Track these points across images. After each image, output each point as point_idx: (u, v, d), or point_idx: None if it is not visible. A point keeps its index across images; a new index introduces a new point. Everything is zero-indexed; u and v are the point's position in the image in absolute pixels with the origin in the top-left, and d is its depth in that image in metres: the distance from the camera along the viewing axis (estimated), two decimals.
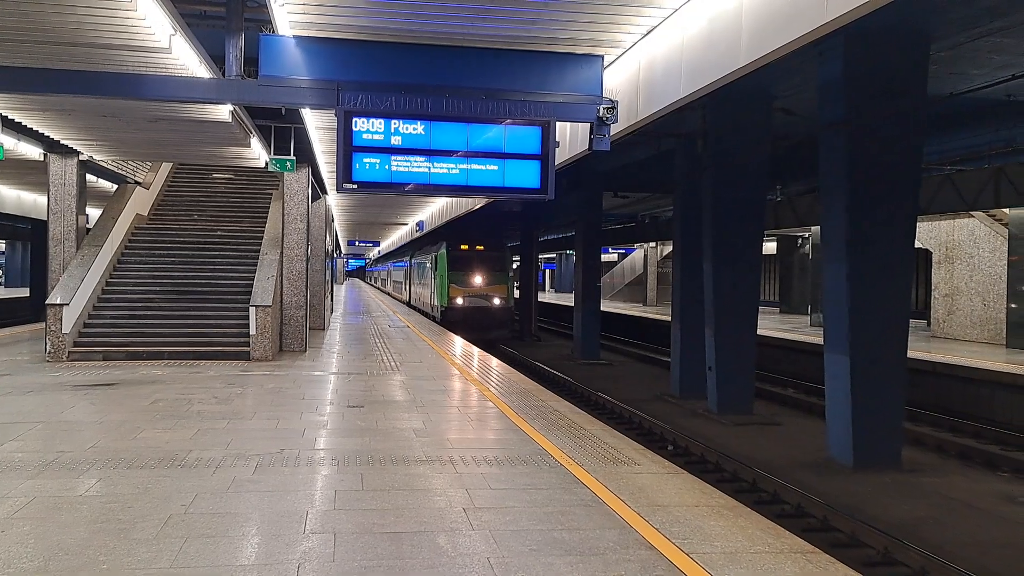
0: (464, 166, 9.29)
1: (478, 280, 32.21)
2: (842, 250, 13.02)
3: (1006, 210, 22.98)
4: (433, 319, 33.37)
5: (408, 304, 46.53)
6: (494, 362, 16.97)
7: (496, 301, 32.38)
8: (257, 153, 16.65)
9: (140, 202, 20.32)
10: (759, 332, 18.63)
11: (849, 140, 12.84)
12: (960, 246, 25.61)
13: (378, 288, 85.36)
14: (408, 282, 49.45)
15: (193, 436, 8.87)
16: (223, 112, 12.50)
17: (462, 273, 32.21)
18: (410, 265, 47.91)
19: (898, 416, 13.28)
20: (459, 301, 31.96)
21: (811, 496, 11.12)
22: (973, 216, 24.41)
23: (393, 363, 16.15)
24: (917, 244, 21.09)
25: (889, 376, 13.07)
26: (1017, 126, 18.29)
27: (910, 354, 13.85)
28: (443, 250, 32.72)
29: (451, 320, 31.44)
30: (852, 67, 12.75)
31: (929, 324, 28.01)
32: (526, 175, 9.53)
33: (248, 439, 8.77)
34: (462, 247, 32.52)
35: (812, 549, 5.62)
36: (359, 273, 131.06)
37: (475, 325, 31.35)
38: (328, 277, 30.66)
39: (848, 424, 13.04)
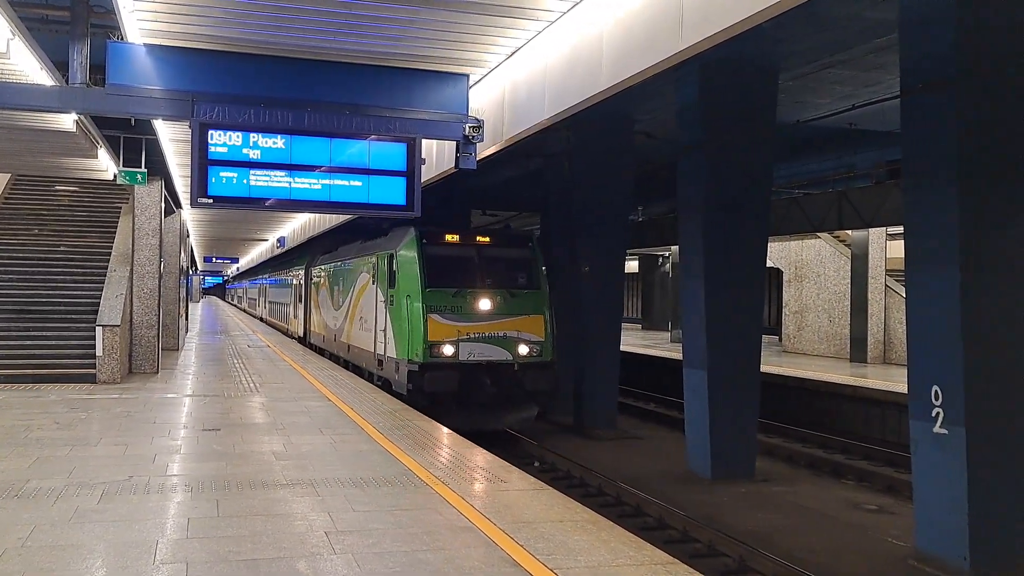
0: (327, 181, 9.11)
1: (486, 305, 15.44)
2: (698, 268, 13.48)
3: (849, 232, 24.43)
4: (384, 387, 16.44)
5: (305, 343, 28.33)
6: (360, 383, 16.70)
7: (523, 349, 15.47)
8: (105, 165, 15.88)
9: None
10: (622, 348, 19.05)
11: (703, 163, 13.35)
12: (808, 265, 27.03)
13: (244, 310, 65.78)
14: (306, 307, 29.06)
15: (32, 464, 8.32)
16: (67, 121, 11.84)
17: (454, 293, 15.36)
18: (308, 278, 28.73)
19: (752, 429, 13.82)
20: (448, 350, 15.11)
21: (671, 508, 11.40)
22: (820, 237, 25.82)
23: (252, 384, 15.65)
24: (768, 263, 22.16)
25: (744, 390, 13.59)
26: (858, 153, 19.47)
27: (763, 368, 14.44)
28: (411, 240, 16.03)
29: (434, 389, 14.91)
30: (706, 94, 13.26)
31: (781, 339, 29.42)
32: (391, 192, 9.43)
33: (93, 466, 8.28)
34: (449, 238, 16.14)
35: (672, 560, 5.74)
36: (218, 291, 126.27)
37: (483, 400, 15.30)
38: (183, 295, 29.04)
39: (706, 437, 13.46)
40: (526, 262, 16.30)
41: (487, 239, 16.19)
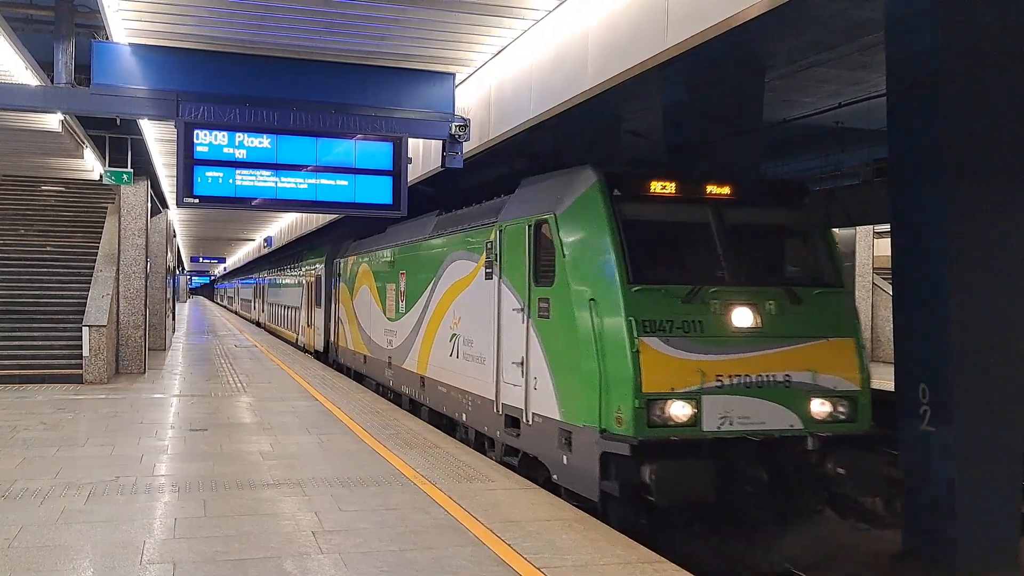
0: (313, 181, 9.11)
1: (746, 319, 7.68)
2: None
3: (836, 230, 24.54)
4: (525, 470, 8.87)
5: (329, 361, 21.50)
6: (348, 383, 16.68)
7: (821, 407, 7.68)
8: (91, 165, 15.84)
9: None
10: None
11: (691, 162, 13.37)
12: None
13: (237, 313, 58.10)
14: (329, 313, 21.60)
15: (18, 465, 8.28)
16: (52, 121, 11.82)
17: (687, 295, 7.66)
18: (333, 273, 21.25)
19: None
20: (682, 412, 7.31)
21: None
22: None
23: (240, 384, 15.61)
24: None
25: None
26: (844, 151, 19.55)
27: None
28: (592, 191, 8.15)
29: (672, 495, 6.90)
30: (692, 92, 13.29)
31: None
32: (378, 191, 9.42)
33: (80, 467, 8.25)
34: (660, 187, 8.23)
35: (659, 559, 5.76)
36: (206, 291, 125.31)
37: (755, 514, 7.38)
38: (169, 295, 28.86)
39: None
40: (811, 234, 8.71)
41: (728, 190, 8.41)
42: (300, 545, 5.86)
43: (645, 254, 7.86)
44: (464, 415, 10.79)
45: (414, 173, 12.21)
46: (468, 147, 10.14)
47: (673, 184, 8.27)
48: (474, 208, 11.42)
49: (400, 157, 9.39)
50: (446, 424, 11.66)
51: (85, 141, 14.45)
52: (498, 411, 9.55)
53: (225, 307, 76.30)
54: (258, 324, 41.99)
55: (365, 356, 16.87)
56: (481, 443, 10.38)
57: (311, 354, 23.78)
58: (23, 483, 7.53)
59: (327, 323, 21.82)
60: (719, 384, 7.44)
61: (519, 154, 19.60)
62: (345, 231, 22.07)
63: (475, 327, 10.44)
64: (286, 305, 30.87)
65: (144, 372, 17.33)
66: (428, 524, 6.45)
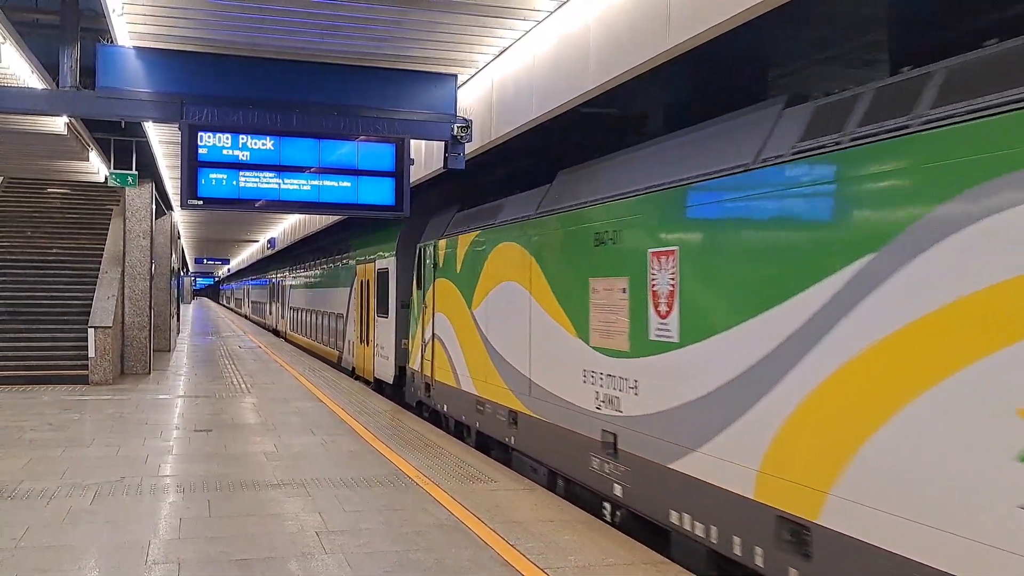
0: (316, 182, 9.13)
1: None
2: None
3: None
4: None
5: (417, 400, 13.35)
6: (352, 384, 16.71)
7: None
8: (96, 167, 15.90)
9: None
10: None
11: None
12: None
13: (248, 318, 52.23)
14: (402, 325, 14.74)
15: (25, 465, 8.33)
16: (58, 124, 11.87)
17: None
18: (425, 265, 13.32)
19: None
20: None
21: None
22: None
23: (244, 385, 15.66)
24: None
25: None
26: None
27: None
28: None
29: None
30: (695, 91, 13.29)
31: None
32: (380, 192, 9.44)
33: (86, 467, 8.30)
34: None
35: (663, 560, 5.78)
36: (211, 293, 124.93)
37: None
38: (174, 297, 28.88)
39: None
40: None
41: None
42: (304, 545, 5.89)
43: None
44: None
45: (417, 174, 12.24)
46: (470, 148, 10.16)
47: None
48: None
49: (402, 158, 9.41)
50: None
51: (90, 144, 14.51)
52: None
53: (233, 310, 69.26)
54: (276, 333, 34.48)
55: (515, 413, 9.22)
56: None
57: (368, 384, 16.81)
58: (29, 483, 7.58)
59: (401, 341, 14.88)
60: None
61: (521, 154, 19.60)
62: (440, 195, 14.54)
63: None
64: (322, 311, 23.07)
65: (149, 373, 17.40)
66: (431, 524, 6.48)
